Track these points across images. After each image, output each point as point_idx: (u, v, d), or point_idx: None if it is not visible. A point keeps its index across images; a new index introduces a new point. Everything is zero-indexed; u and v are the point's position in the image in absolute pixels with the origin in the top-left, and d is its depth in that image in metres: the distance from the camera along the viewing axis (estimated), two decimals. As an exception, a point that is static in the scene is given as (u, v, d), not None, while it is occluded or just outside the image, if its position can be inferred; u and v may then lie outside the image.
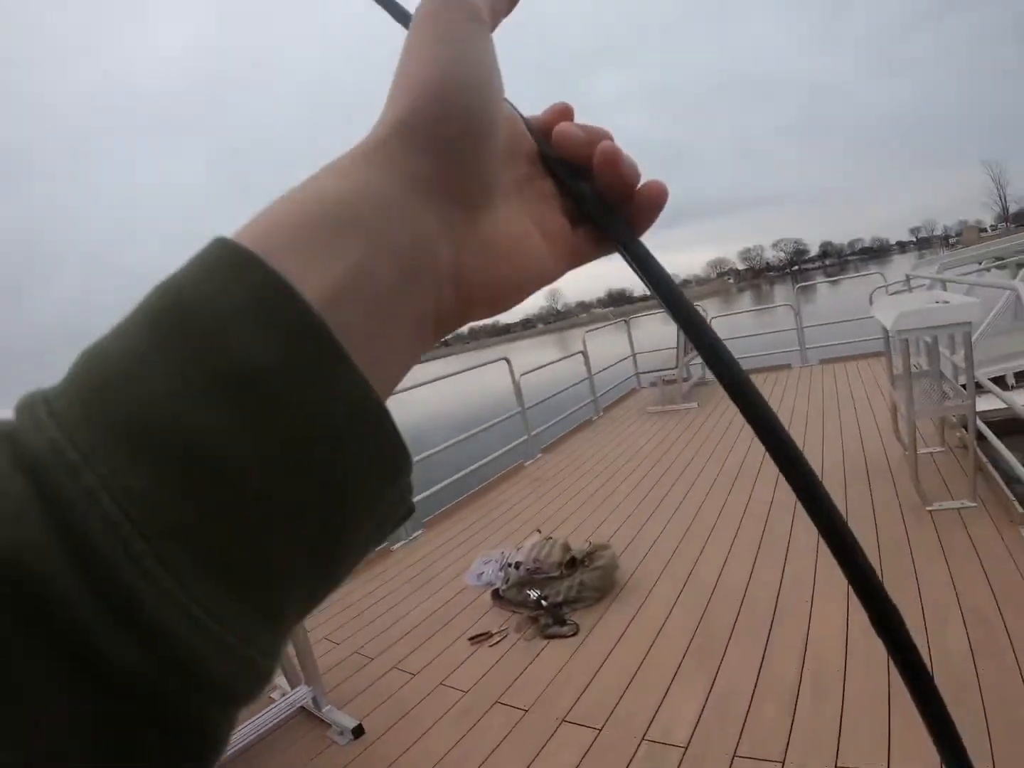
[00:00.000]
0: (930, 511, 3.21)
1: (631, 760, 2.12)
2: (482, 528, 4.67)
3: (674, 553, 3.56)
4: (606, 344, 10.09)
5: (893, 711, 1.99)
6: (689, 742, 2.13)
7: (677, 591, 3.14)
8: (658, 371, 7.58)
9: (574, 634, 2.91)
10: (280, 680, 2.73)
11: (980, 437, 3.31)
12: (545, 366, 7.28)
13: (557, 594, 3.13)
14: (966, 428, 3.79)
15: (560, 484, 5.37)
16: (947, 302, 3.47)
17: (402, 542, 4.63)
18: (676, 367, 7.29)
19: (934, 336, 3.96)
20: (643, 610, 3.03)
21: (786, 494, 3.95)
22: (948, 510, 3.17)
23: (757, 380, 6.12)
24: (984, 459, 3.25)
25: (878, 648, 1.51)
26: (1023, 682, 1.99)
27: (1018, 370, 5.45)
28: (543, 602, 3.09)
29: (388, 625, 3.40)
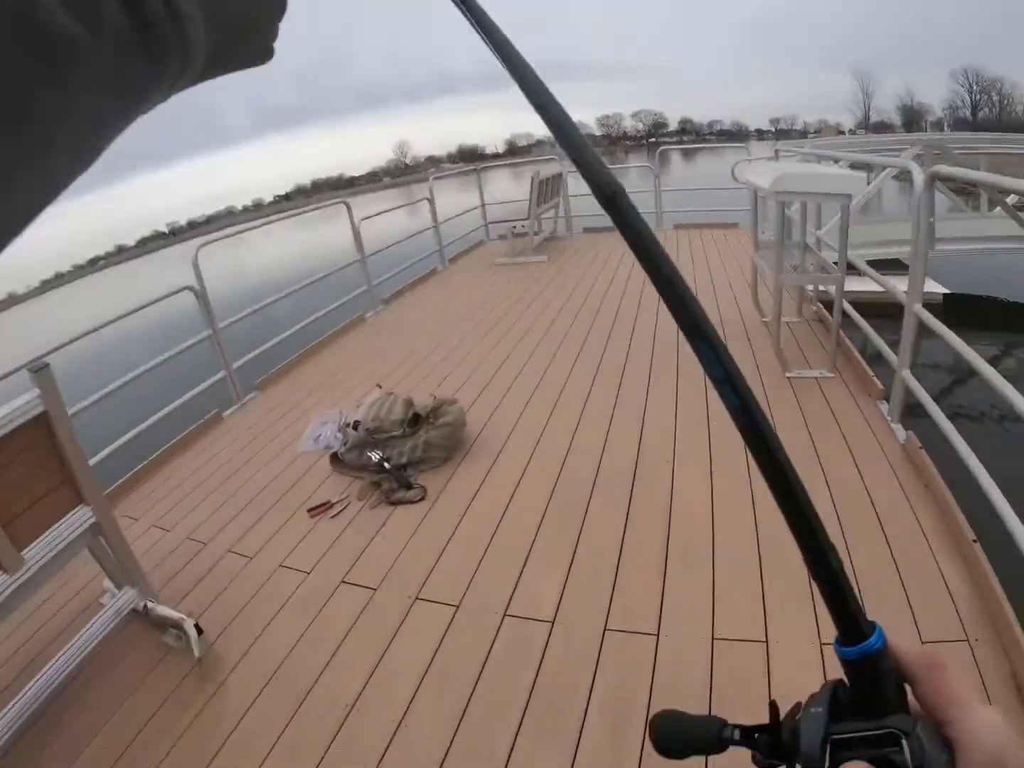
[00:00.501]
0: (789, 378, 3.24)
1: (495, 637, 1.90)
2: (320, 386, 4.11)
3: (524, 411, 3.31)
4: (454, 200, 9.42)
5: (766, 582, 1.93)
6: (555, 616, 1.93)
7: (529, 452, 2.92)
8: (509, 221, 7.19)
9: (421, 499, 2.62)
10: (108, 583, 2.24)
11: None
12: (387, 211, 6.51)
13: (400, 455, 2.79)
14: (823, 304, 3.90)
15: (403, 337, 4.91)
16: (826, 173, 3.38)
17: (234, 407, 3.93)
18: (528, 219, 6.92)
19: (805, 203, 3.90)
20: (494, 472, 2.79)
21: (642, 354, 3.88)
22: (807, 379, 3.21)
23: (609, 238, 5.95)
24: (843, 335, 3.29)
25: (746, 517, 2.14)
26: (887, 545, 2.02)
27: (870, 259, 5.71)
28: (385, 464, 2.75)
29: (220, 503, 2.85)
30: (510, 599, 2.02)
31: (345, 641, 1.97)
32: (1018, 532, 1.73)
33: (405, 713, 1.70)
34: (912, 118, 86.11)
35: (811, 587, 1.83)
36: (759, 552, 2.06)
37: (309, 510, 2.64)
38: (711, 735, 0.35)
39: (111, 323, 3.35)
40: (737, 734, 0.34)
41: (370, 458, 2.76)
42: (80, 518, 1.86)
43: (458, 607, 2.03)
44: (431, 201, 7.12)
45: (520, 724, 1.62)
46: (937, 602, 1.77)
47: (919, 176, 2.36)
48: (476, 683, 1.76)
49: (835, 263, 3.21)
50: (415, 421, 2.87)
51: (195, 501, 2.90)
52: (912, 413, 2.75)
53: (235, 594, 2.25)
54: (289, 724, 1.73)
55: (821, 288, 3.96)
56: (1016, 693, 1.50)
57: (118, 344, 6.88)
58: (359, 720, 1.71)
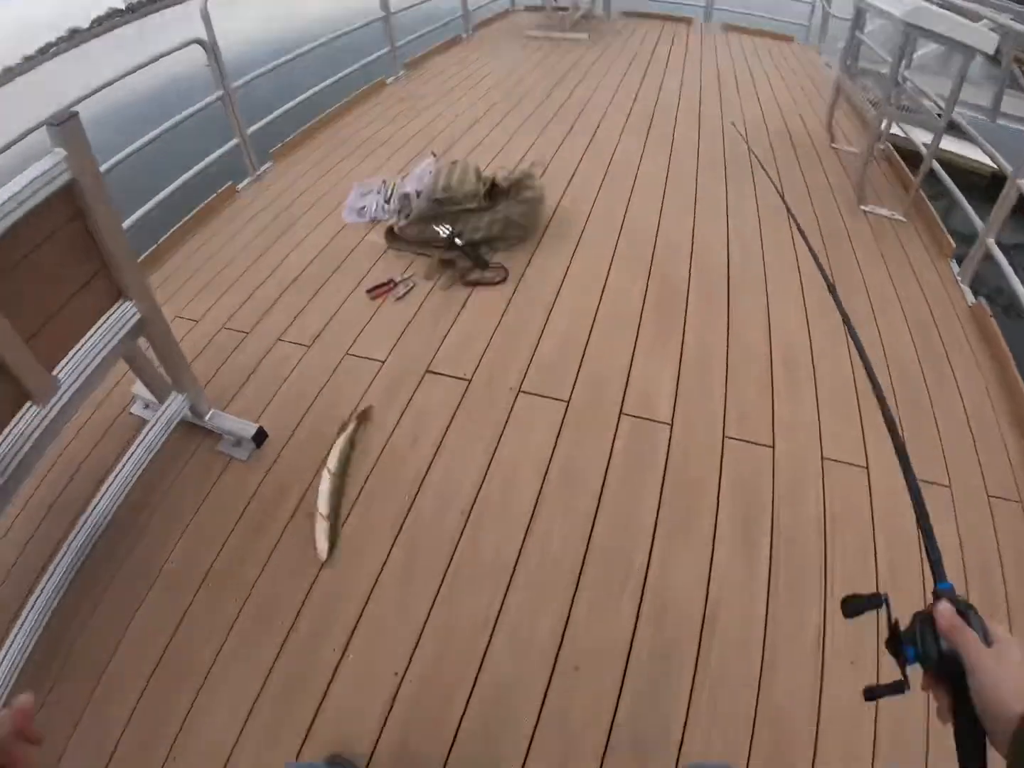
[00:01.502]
0: (864, 211, 3.00)
1: (614, 437, 1.74)
2: (345, 156, 3.41)
3: (597, 197, 2.93)
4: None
5: (863, 410, 1.89)
6: (673, 418, 1.82)
7: (613, 237, 2.59)
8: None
9: (502, 280, 2.28)
10: (139, 391, 1.88)
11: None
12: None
13: (475, 230, 2.39)
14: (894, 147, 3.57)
15: (433, 107, 4.18)
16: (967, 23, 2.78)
17: (248, 179, 3.22)
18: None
19: (911, 40, 3.19)
20: (580, 257, 2.46)
21: (713, 154, 3.37)
22: (881, 217, 2.99)
23: (653, 25, 4.95)
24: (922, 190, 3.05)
25: (840, 343, 2.08)
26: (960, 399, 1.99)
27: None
28: (457, 240, 2.35)
29: (256, 285, 2.39)
30: (623, 397, 1.88)
31: (448, 435, 1.79)
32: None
33: (531, 518, 1.59)
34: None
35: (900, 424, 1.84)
36: (855, 379, 1.99)
37: (368, 290, 2.27)
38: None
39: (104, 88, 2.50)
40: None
41: (437, 232, 2.33)
42: (121, 318, 1.43)
43: (568, 403, 1.84)
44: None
45: (654, 531, 1.55)
46: (998, 463, 1.80)
47: None
48: (603, 486, 1.65)
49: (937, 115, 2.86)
50: (490, 194, 2.40)
51: (224, 285, 2.44)
52: (981, 283, 2.67)
53: (297, 388, 1.97)
54: (400, 534, 1.56)
55: (898, 132, 3.43)
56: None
57: (112, 115, 5.89)
58: (480, 525, 1.58)
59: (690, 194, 2.98)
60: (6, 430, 1.23)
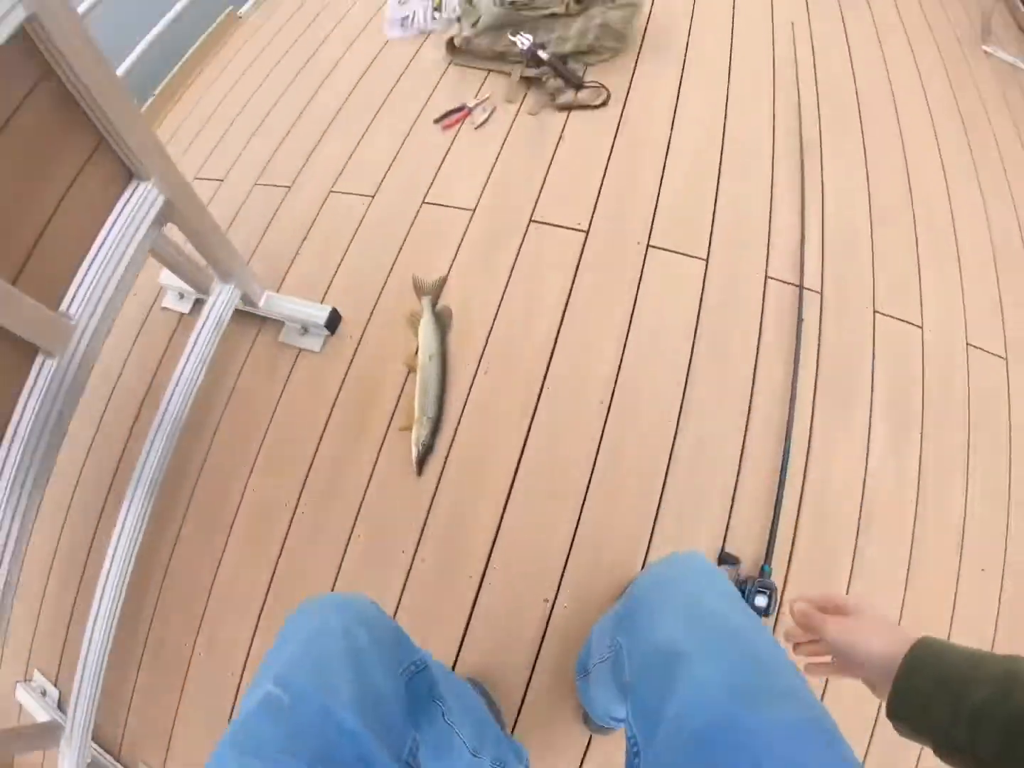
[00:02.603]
0: (986, 52, 2.49)
1: (762, 307, 1.50)
2: None
3: None
4: None
5: (1003, 288, 1.66)
6: (822, 287, 1.55)
7: (724, 51, 2.08)
8: None
9: (604, 103, 1.84)
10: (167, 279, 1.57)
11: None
12: None
13: (563, 41, 1.90)
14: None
15: None
16: None
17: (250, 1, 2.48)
18: None
19: None
20: (691, 73, 1.98)
21: None
22: (1004, 62, 2.48)
23: None
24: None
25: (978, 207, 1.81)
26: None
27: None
28: (541, 53, 1.87)
29: (287, 128, 1.91)
30: (767, 261, 1.58)
31: (572, 302, 1.47)
32: None
33: (685, 393, 1.37)
34: None
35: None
36: (993, 246, 1.74)
37: (436, 119, 1.82)
38: None
39: None
40: None
41: (515, 44, 1.85)
42: (138, 207, 1.00)
43: (706, 262, 1.50)
44: None
45: (813, 407, 1.39)
46: None
47: None
48: (756, 357, 1.43)
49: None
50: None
51: (246, 132, 1.95)
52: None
53: (366, 252, 1.62)
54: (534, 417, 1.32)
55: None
56: None
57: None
58: (623, 413, 1.36)
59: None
60: (20, 402, 0.89)
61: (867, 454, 1.35)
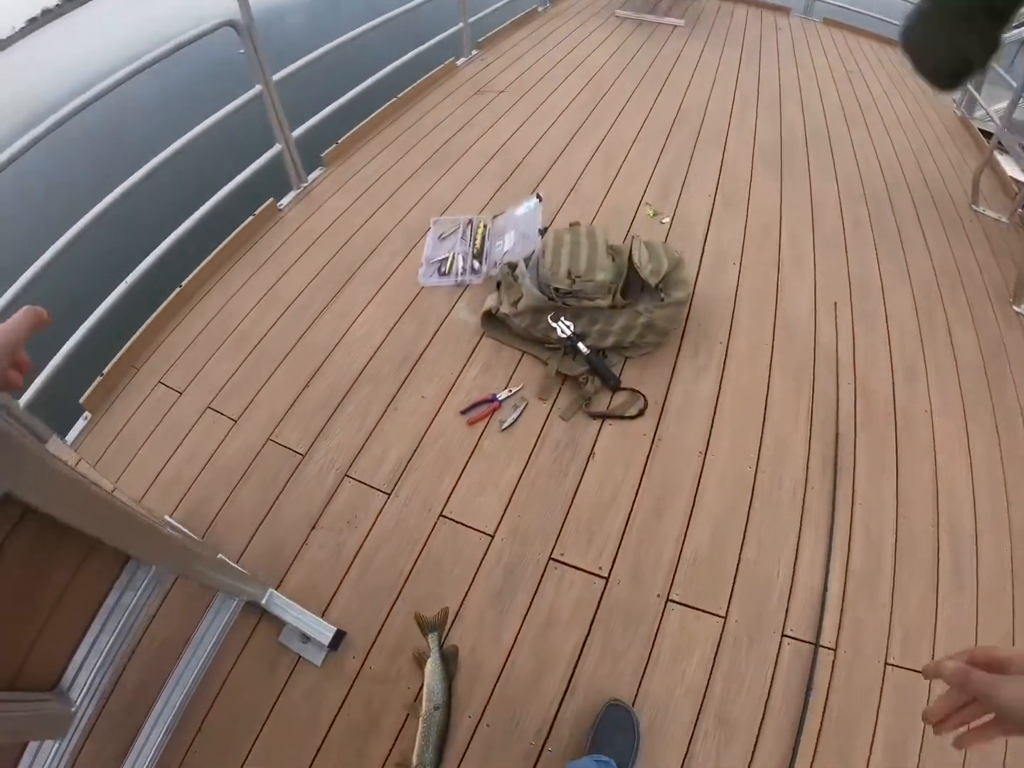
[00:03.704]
0: (1018, 314, 2.46)
1: (776, 663, 1.43)
2: (414, 160, 2.79)
3: (742, 266, 2.35)
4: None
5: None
6: (838, 641, 1.48)
7: (768, 332, 2.06)
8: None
9: (640, 414, 1.77)
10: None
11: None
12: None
13: (604, 335, 1.87)
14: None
15: (511, 96, 3.53)
16: None
17: (293, 193, 2.55)
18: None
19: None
20: (732, 368, 1.94)
21: (855, 208, 2.83)
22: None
23: (739, 9, 4.45)
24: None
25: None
26: None
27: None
28: (581, 347, 1.83)
29: (306, 380, 1.86)
30: (785, 615, 1.50)
31: (584, 657, 1.41)
32: None
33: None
34: None
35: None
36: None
37: (463, 410, 1.75)
38: None
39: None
40: None
41: (555, 330, 1.81)
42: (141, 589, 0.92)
43: (724, 619, 1.49)
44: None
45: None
46: None
47: None
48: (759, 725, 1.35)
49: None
50: (626, 287, 1.87)
51: (262, 373, 1.91)
52: None
53: (373, 560, 1.53)
54: None
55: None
56: None
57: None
58: None
59: (841, 269, 2.43)
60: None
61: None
